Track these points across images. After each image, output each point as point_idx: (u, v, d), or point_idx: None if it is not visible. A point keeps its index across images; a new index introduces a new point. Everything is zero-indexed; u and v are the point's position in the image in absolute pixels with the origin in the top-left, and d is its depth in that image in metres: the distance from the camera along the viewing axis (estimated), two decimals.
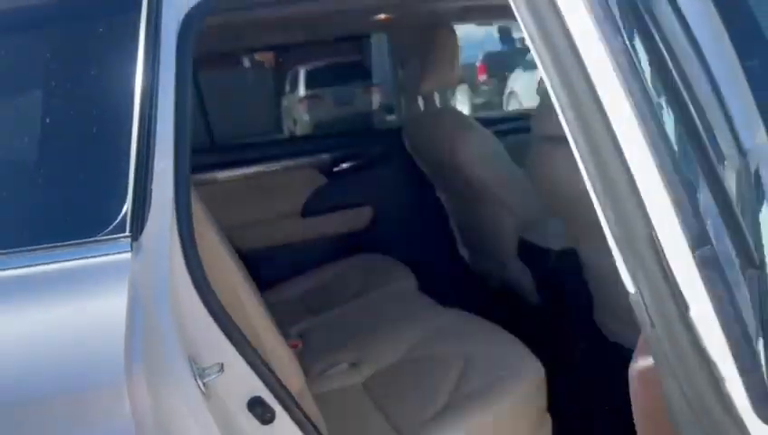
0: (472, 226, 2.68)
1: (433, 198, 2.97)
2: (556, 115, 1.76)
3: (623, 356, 2.15)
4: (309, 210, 2.96)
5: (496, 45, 15.49)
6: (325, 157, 2.96)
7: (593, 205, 1.77)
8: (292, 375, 1.40)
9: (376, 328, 2.06)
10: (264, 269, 2.87)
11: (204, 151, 3.00)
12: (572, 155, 1.86)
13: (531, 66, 10.71)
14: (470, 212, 2.61)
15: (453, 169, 2.46)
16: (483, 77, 13.06)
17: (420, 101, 2.72)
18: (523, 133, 3.14)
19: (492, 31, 16.46)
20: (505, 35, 16.58)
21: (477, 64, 13.00)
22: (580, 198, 1.81)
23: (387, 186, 3.06)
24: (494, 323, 1.84)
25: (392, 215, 3.06)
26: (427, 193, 3.01)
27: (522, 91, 10.79)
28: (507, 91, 11.37)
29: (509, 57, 13.34)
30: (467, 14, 2.71)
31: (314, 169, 2.94)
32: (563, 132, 1.74)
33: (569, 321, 2.32)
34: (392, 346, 1.91)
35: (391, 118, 3.38)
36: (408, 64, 2.63)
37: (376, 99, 13.09)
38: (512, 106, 11.06)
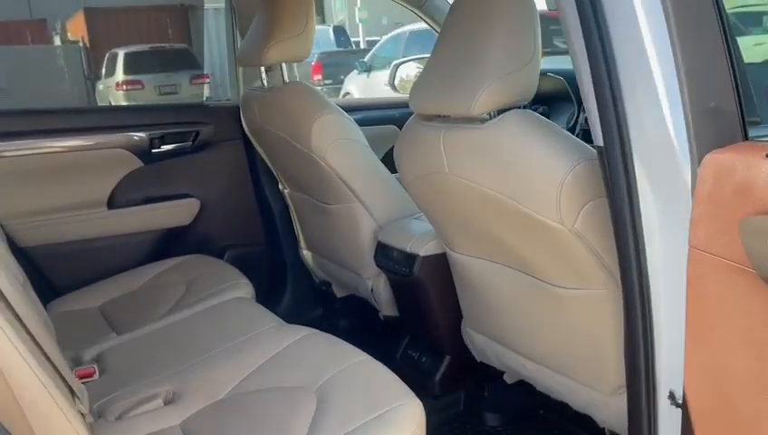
0: (320, 226, 2.29)
1: (274, 192, 2.55)
2: (440, 93, 1.44)
3: (489, 376, 1.89)
4: (117, 200, 2.40)
5: (332, 45, 15.33)
6: (141, 135, 2.42)
7: (480, 200, 1.41)
8: (57, 426, 0.94)
9: (200, 351, 1.60)
10: (56, 272, 2.28)
11: None
12: (463, 141, 1.49)
13: (366, 68, 10.63)
14: (318, 210, 2.22)
15: (301, 156, 2.05)
16: (317, 77, 12.76)
17: (264, 76, 2.28)
18: (383, 124, 2.84)
19: (328, 30, 16.29)
20: (341, 35, 16.49)
21: (312, 63, 12.68)
22: (465, 193, 1.50)
23: (218, 174, 2.58)
24: (355, 347, 1.46)
25: (223, 209, 2.59)
26: (265, 185, 2.58)
27: (357, 93, 10.65)
28: (342, 92, 11.17)
29: (345, 58, 13.21)
30: None
31: (126, 150, 2.39)
32: (452, 112, 1.41)
33: (432, 337, 2.01)
34: (221, 375, 1.47)
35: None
36: (250, 29, 2.18)
37: (202, 90, 12.31)
38: None
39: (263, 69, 2.27)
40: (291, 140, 2.06)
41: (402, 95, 3.14)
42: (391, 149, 2.84)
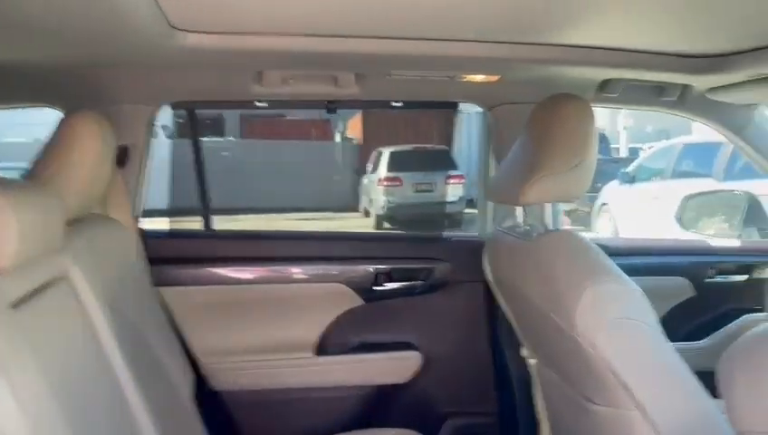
0: (576, 426, 1.66)
1: (515, 356, 1.98)
2: None
3: None
4: (327, 344, 2.02)
5: None
6: (368, 269, 2.03)
7: None
8: None
9: None
10: (248, 425, 1.93)
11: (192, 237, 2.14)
12: None
13: (629, 179, 9.72)
14: (576, 405, 1.59)
15: (560, 334, 1.47)
16: None
17: (519, 214, 1.76)
18: (668, 275, 2.17)
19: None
20: (601, 142, 15.64)
21: None
22: None
23: (449, 323, 2.10)
24: None
25: (450, 368, 2.08)
26: (506, 345, 2.03)
27: (615, 205, 9.71)
28: (599, 202, 10.29)
29: (604, 166, 12.35)
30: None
31: (347, 285, 2.01)
32: None
33: None
34: None
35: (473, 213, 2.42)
36: (509, 155, 1.70)
37: (458, 190, 12.43)
38: (601, 221, 9.99)
39: (520, 208, 1.77)
40: (548, 310, 1.49)
41: (694, 237, 2.42)
42: (676, 308, 2.18)
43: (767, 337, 0.94)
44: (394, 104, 1.96)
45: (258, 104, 1.86)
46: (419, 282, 2.06)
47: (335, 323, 2.02)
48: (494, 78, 1.73)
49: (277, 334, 1.97)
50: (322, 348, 2.01)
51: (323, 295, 2.01)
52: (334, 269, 2.02)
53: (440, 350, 2.07)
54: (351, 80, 1.72)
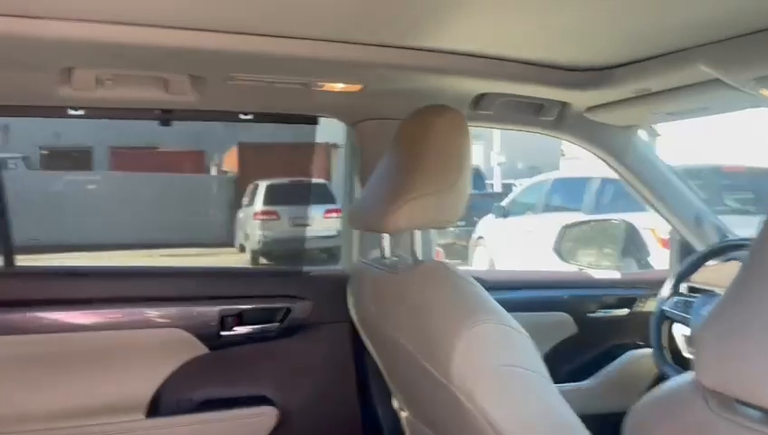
0: None
1: (387, 408, 1.74)
2: None
3: None
4: (164, 402, 1.69)
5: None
6: (211, 311, 1.72)
7: None
8: None
9: None
10: None
11: None
12: None
13: (503, 213, 9.96)
14: None
15: (433, 384, 1.24)
16: None
17: (385, 244, 1.52)
18: (549, 310, 2.02)
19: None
20: (476, 178, 16.15)
21: None
22: None
23: (310, 372, 1.83)
24: None
25: (312, 424, 1.81)
26: (376, 395, 1.78)
27: (490, 238, 9.90)
28: (475, 235, 10.45)
29: (480, 200, 12.66)
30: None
31: (186, 331, 1.70)
32: None
33: None
34: None
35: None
36: (372, 176, 1.48)
37: (336, 224, 12.32)
38: (478, 255, 10.15)
39: (386, 237, 1.53)
40: (419, 356, 1.26)
41: (573, 268, 2.29)
42: (558, 345, 2.04)
43: (684, 390, 0.76)
44: (242, 117, 1.69)
45: (72, 112, 1.53)
46: (275, 324, 1.78)
47: (173, 377, 1.70)
48: (356, 87, 1.50)
49: (99, 394, 1.62)
50: (157, 408, 1.68)
51: (159, 344, 1.68)
52: (172, 312, 1.70)
53: (300, 403, 1.80)
54: (186, 84, 1.43)
